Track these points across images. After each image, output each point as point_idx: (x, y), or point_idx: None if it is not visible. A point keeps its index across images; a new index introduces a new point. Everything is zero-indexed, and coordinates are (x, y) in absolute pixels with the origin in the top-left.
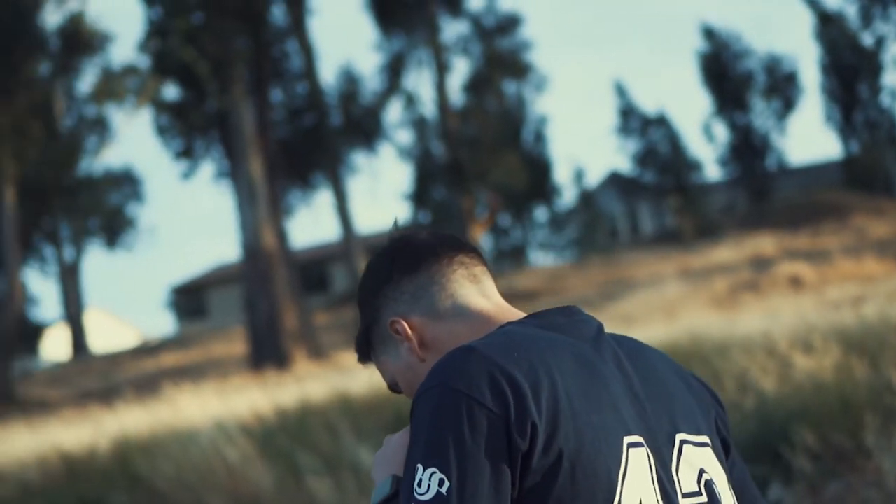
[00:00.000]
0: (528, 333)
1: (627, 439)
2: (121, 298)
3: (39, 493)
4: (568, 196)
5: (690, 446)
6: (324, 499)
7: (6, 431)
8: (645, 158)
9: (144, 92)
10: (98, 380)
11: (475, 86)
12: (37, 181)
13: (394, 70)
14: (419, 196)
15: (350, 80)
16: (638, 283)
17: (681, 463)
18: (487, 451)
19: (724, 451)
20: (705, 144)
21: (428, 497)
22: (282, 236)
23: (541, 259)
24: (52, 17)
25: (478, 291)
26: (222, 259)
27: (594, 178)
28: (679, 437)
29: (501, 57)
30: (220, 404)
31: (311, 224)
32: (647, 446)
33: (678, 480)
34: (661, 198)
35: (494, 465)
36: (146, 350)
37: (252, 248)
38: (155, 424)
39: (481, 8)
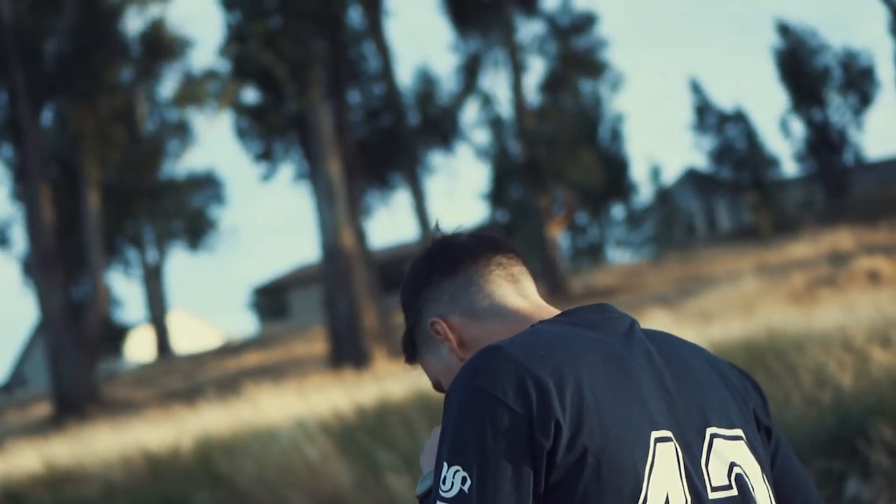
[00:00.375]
0: (557, 331)
1: (655, 434)
2: (204, 300)
3: (124, 492)
4: (645, 193)
5: (721, 440)
6: (402, 496)
7: (91, 432)
8: (721, 155)
9: (225, 96)
10: (182, 380)
11: (551, 85)
12: (120, 185)
13: (470, 70)
14: (496, 195)
15: (426, 81)
16: (715, 279)
17: (711, 456)
18: (509, 450)
19: (766, 437)
20: (782, 140)
21: (451, 495)
22: (360, 236)
23: (618, 256)
24: (133, 24)
25: (515, 291)
26: (303, 260)
27: (671, 175)
28: (709, 430)
29: (577, 56)
30: (301, 403)
31: (390, 224)
32: (676, 440)
33: (707, 474)
34: (738, 194)
35: (516, 463)
36: (229, 350)
37: (331, 248)
38: (236, 424)
39: (556, 7)
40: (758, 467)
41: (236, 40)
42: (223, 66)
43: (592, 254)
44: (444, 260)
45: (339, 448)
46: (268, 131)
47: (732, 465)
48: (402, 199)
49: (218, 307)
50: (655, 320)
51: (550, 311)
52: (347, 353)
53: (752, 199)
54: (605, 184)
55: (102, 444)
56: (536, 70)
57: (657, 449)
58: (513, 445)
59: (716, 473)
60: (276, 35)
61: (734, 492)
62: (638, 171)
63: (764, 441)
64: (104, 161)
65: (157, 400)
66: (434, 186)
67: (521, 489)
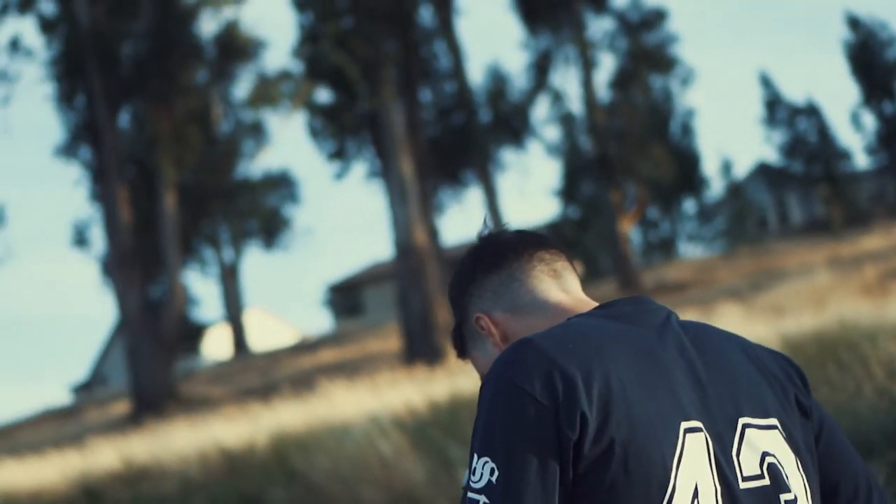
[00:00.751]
0: (589, 324)
1: (685, 424)
2: (279, 298)
3: (200, 488)
4: (716, 188)
5: (754, 429)
6: None
7: (169, 429)
8: (793, 149)
9: (298, 96)
10: (258, 377)
11: (621, 81)
12: (196, 186)
13: (541, 68)
14: (568, 191)
15: (497, 79)
16: (787, 272)
17: (742, 447)
18: (536, 441)
19: (807, 419)
20: (853, 133)
21: (480, 485)
22: (433, 233)
23: (690, 251)
24: (208, 26)
25: (557, 286)
26: (377, 257)
27: (742, 169)
28: (742, 420)
29: (647, 52)
30: (374, 399)
31: (462, 221)
32: (706, 431)
33: (739, 464)
34: (809, 187)
35: (542, 455)
36: (304, 347)
37: (404, 245)
38: (311, 420)
39: (626, 4)
40: (793, 457)
41: (309, 41)
42: (296, 66)
43: (664, 248)
44: (488, 257)
45: (412, 443)
46: (340, 130)
47: (765, 454)
48: (474, 196)
49: (293, 305)
50: (727, 314)
51: (591, 305)
52: (421, 349)
53: (824, 192)
54: (677, 178)
55: (179, 440)
56: (607, 66)
57: (686, 439)
58: (539, 437)
59: (747, 463)
60: (348, 35)
61: (766, 481)
62: (709, 166)
63: (806, 428)
64: (180, 162)
65: (234, 397)
66: (506, 183)
67: (547, 480)
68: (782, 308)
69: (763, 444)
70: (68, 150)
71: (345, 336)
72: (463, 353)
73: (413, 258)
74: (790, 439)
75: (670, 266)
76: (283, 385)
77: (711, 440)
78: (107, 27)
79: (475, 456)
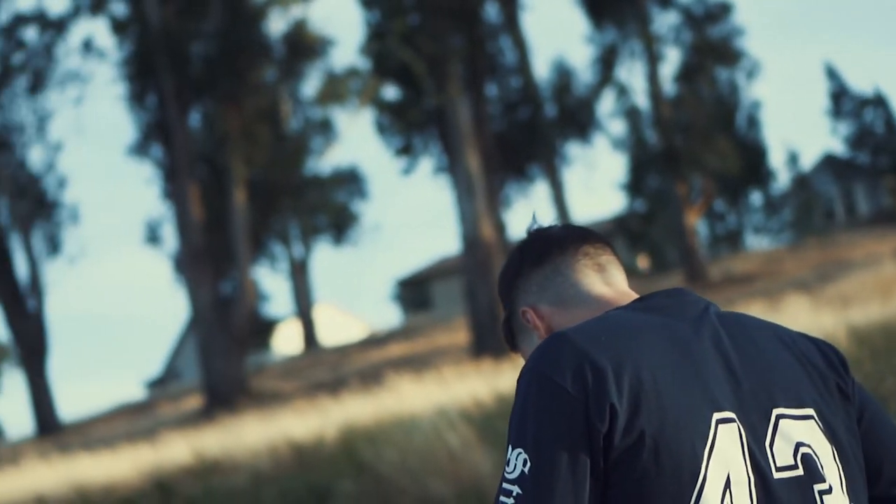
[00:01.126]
0: (623, 317)
1: (717, 415)
2: (348, 293)
3: (271, 481)
4: (782, 180)
5: (788, 420)
6: None
7: (240, 423)
8: (859, 140)
9: (365, 93)
10: (327, 372)
11: (687, 74)
12: (265, 183)
13: (606, 62)
14: (634, 185)
15: (563, 73)
16: (854, 263)
17: (776, 437)
18: (566, 433)
19: (847, 400)
20: None
21: (514, 476)
22: (500, 227)
23: (756, 243)
24: (276, 25)
25: (601, 280)
26: (445, 252)
27: (808, 160)
28: (776, 411)
29: (712, 45)
30: (442, 392)
31: (529, 215)
32: (739, 422)
33: (772, 455)
34: (876, 178)
35: (572, 446)
36: (373, 342)
37: (471, 239)
38: (379, 413)
39: None
40: (829, 447)
41: (376, 38)
42: (364, 63)
43: (731, 240)
44: (534, 251)
45: (480, 435)
46: (407, 126)
47: (799, 444)
48: (540, 190)
49: (362, 300)
50: (794, 306)
51: (633, 298)
52: (488, 342)
53: (891, 183)
54: (743, 171)
55: (250, 434)
56: (672, 60)
57: (718, 430)
58: (569, 429)
59: (780, 454)
60: (415, 32)
61: (800, 471)
62: (775, 158)
63: (849, 413)
64: (250, 159)
65: (304, 391)
66: (572, 177)
67: (577, 471)
68: (849, 299)
69: (798, 434)
70: (140, 149)
71: (413, 330)
72: (513, 345)
73: (480, 252)
74: (827, 429)
75: (737, 258)
76: (352, 379)
77: (745, 431)
78: (177, 27)
79: (510, 447)
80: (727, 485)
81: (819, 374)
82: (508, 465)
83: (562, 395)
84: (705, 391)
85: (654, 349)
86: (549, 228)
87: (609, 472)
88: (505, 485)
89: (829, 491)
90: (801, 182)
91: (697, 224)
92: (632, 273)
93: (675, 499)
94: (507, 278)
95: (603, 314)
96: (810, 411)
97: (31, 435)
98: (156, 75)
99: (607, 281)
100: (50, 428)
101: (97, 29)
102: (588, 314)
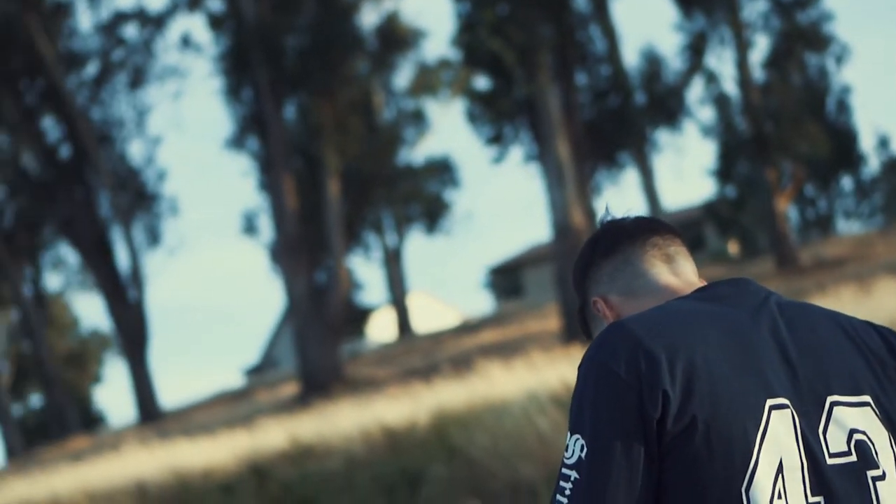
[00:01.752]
0: (681, 306)
1: (771, 401)
2: (442, 281)
3: (364, 465)
4: (873, 164)
5: (843, 407)
6: None
7: (335, 409)
8: None
9: (457, 84)
10: (421, 358)
11: (776, 60)
12: (359, 173)
13: (695, 49)
14: (724, 171)
15: (652, 61)
16: None
17: (829, 424)
18: (620, 419)
19: None
20: None
21: (572, 461)
22: (590, 215)
23: (847, 227)
24: (368, 18)
25: (669, 270)
26: (536, 239)
27: None
28: (830, 399)
29: (801, 30)
30: (532, 377)
31: (619, 202)
32: (793, 408)
33: (825, 442)
34: None
35: (626, 432)
36: (466, 329)
37: (562, 227)
38: (471, 398)
39: None
40: (885, 433)
41: (467, 29)
42: (455, 55)
43: (821, 225)
44: (605, 242)
45: None
46: (498, 116)
47: (853, 431)
48: (630, 177)
49: (455, 288)
50: (885, 289)
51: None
52: (579, 328)
53: None
54: (833, 156)
55: (344, 420)
56: (761, 46)
57: (772, 415)
58: (623, 415)
59: (834, 441)
60: (505, 22)
61: (853, 458)
62: (866, 142)
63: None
64: (343, 151)
65: (398, 378)
66: (661, 164)
67: (632, 456)
68: None
69: (852, 421)
70: (237, 142)
71: (505, 317)
72: (588, 334)
73: (571, 239)
74: (884, 415)
75: (828, 243)
76: (445, 365)
77: (798, 418)
78: (271, 22)
79: (569, 434)
80: (779, 470)
81: (878, 361)
82: (567, 451)
83: (616, 382)
84: (760, 378)
85: (709, 337)
86: (621, 220)
87: (663, 456)
88: (564, 470)
89: (883, 477)
90: (892, 166)
91: (788, 209)
92: (722, 258)
93: (726, 483)
94: (580, 269)
95: (662, 304)
96: (867, 398)
97: (134, 422)
98: (251, 69)
99: (675, 271)
100: (151, 415)
101: (194, 25)
102: (655, 304)
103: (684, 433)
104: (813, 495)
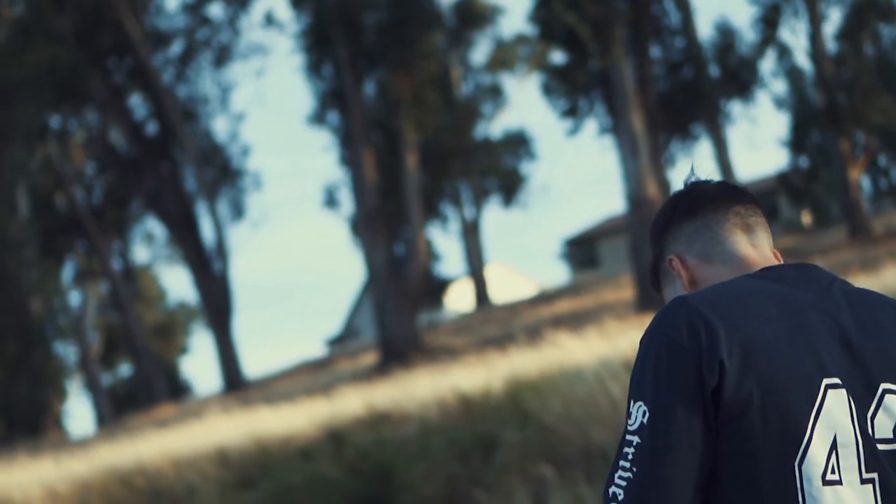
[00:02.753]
0: (744, 284)
1: (826, 381)
2: (518, 252)
3: (439, 431)
4: None
5: (894, 395)
6: None
7: (412, 377)
8: None
9: (533, 58)
10: (497, 328)
11: (849, 32)
12: (437, 147)
13: (769, 22)
14: (797, 141)
15: (725, 33)
16: None
17: (879, 411)
18: (681, 384)
19: None
20: None
21: (635, 427)
22: (665, 186)
23: None
24: None
25: (747, 240)
26: (611, 211)
27: None
28: (883, 386)
29: (875, 2)
30: (606, 345)
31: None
32: (846, 388)
33: (872, 426)
34: None
35: (687, 398)
36: (542, 299)
37: (636, 198)
38: (544, 365)
39: None
40: None
41: (543, 5)
42: (531, 30)
43: (894, 195)
44: (687, 204)
45: None
46: (573, 89)
47: None
48: (704, 148)
49: (532, 259)
50: None
51: (772, 263)
52: (653, 297)
53: None
54: None
55: (420, 387)
56: (834, 19)
57: (827, 394)
58: (684, 381)
59: (881, 426)
60: None
61: None
62: None
63: None
64: (422, 125)
65: (474, 346)
66: (734, 135)
67: (692, 422)
68: None
69: None
70: (318, 117)
71: (581, 287)
72: (657, 287)
73: (645, 210)
74: None
75: None
76: (521, 335)
77: (852, 399)
78: None
79: (631, 402)
80: (833, 446)
81: None
82: (630, 418)
83: (677, 351)
84: (817, 359)
85: (769, 315)
86: (705, 183)
87: (720, 427)
88: (627, 436)
89: None
90: None
91: (860, 179)
92: (795, 228)
93: (780, 457)
94: (659, 225)
95: (729, 281)
96: None
97: (218, 391)
98: (331, 45)
99: (753, 242)
100: (236, 384)
101: (276, 2)
102: (729, 272)
103: (740, 405)
104: (867, 471)
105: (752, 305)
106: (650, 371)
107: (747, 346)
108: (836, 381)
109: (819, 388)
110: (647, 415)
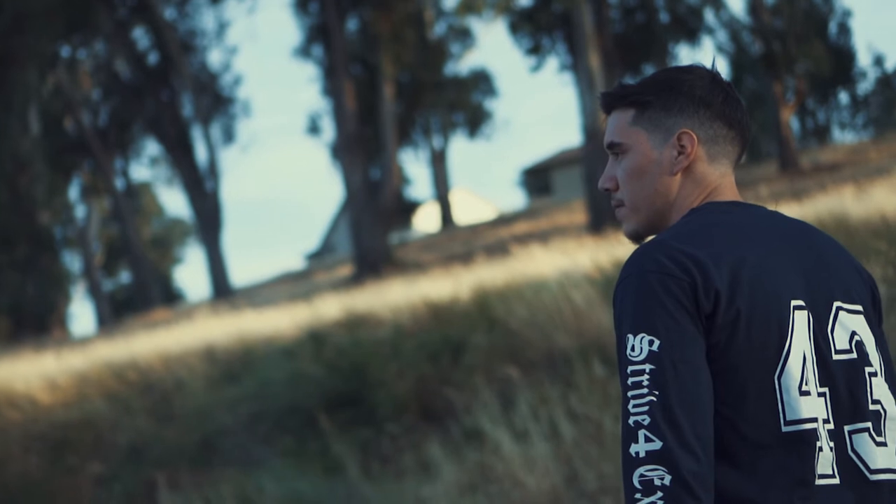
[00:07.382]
0: (713, 220)
1: (794, 302)
2: (481, 179)
3: (410, 334)
4: (869, 80)
5: (845, 312)
6: None
7: (385, 286)
8: None
9: (500, 4)
10: (461, 246)
11: None
12: (411, 81)
13: None
14: (735, 84)
15: None
16: None
17: (836, 325)
18: (683, 310)
19: (877, 314)
20: None
21: (641, 357)
22: None
23: (843, 137)
24: None
25: (728, 170)
26: (565, 144)
27: (892, 62)
28: (835, 303)
29: None
30: (565, 259)
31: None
32: (808, 309)
33: (833, 339)
34: None
35: (689, 321)
36: (501, 221)
37: (591, 130)
38: (509, 276)
39: None
40: (872, 338)
41: None
42: None
43: (819, 134)
44: (725, 97)
45: (602, 295)
46: (537, 29)
47: (853, 333)
48: None
49: (493, 186)
50: (879, 190)
51: (732, 192)
52: (605, 221)
53: None
54: (833, 73)
55: (393, 295)
56: None
57: (795, 314)
58: (685, 307)
59: (839, 339)
60: None
61: (854, 355)
62: (863, 61)
63: (878, 319)
64: (398, 60)
65: (440, 262)
66: None
67: (697, 342)
68: None
69: (851, 324)
70: (304, 50)
71: (536, 211)
72: (613, 107)
73: (599, 141)
74: (870, 324)
75: (825, 150)
76: (482, 252)
77: (812, 317)
78: None
79: (629, 337)
80: (803, 361)
81: (862, 281)
82: (633, 351)
83: (673, 282)
84: (785, 281)
85: (742, 243)
86: (729, 85)
87: (710, 348)
88: (633, 368)
89: (876, 374)
90: (885, 82)
91: (791, 119)
92: None
93: (763, 372)
94: (688, 87)
95: (690, 220)
96: (859, 307)
97: (208, 298)
98: None
99: (726, 173)
100: (223, 292)
101: None
102: (699, 192)
103: (730, 324)
104: (821, 386)
105: (727, 237)
106: (650, 304)
107: (733, 272)
108: (800, 302)
109: (790, 308)
110: (657, 341)
